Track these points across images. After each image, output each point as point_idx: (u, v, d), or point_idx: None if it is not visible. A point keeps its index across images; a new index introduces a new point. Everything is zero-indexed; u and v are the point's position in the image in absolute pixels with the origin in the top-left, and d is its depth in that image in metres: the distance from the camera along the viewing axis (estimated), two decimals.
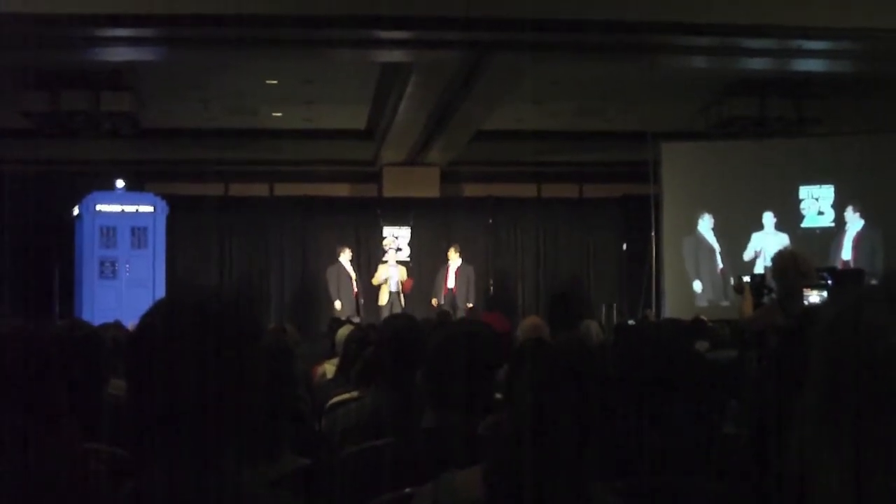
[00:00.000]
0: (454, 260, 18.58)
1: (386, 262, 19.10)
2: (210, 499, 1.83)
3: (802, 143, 17.50)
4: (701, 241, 17.56)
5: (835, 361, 1.37)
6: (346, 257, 18.51)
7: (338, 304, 18.00)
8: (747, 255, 17.14)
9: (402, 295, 18.27)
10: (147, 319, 1.91)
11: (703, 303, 17.09)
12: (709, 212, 17.45)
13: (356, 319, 15.79)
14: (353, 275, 18.41)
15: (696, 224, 17.50)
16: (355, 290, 18.29)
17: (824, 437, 1.35)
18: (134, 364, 1.90)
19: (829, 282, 8.62)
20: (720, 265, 17.46)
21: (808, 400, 1.38)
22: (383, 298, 18.27)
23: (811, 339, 1.44)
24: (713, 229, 17.48)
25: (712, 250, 17.54)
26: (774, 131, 17.27)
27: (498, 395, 3.60)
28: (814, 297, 7.03)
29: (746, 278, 8.34)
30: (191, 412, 1.81)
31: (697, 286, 17.57)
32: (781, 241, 16.69)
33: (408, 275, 18.73)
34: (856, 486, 1.31)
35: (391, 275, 18.47)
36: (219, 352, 1.84)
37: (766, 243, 16.77)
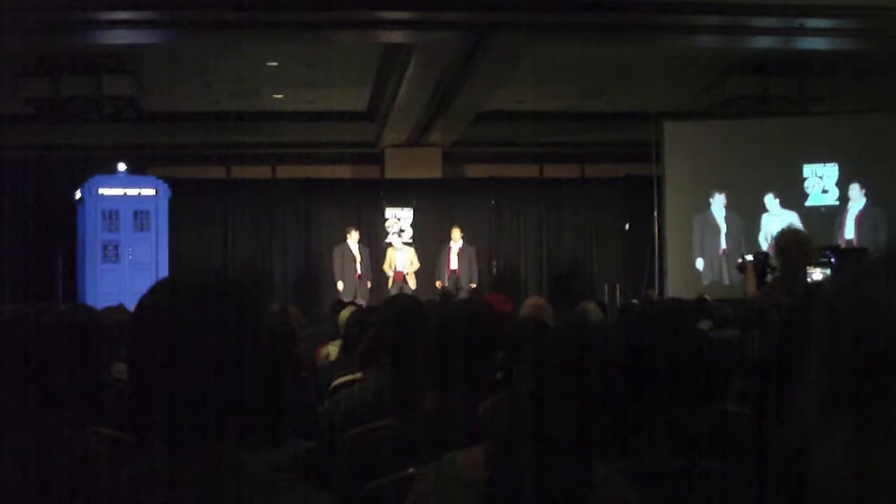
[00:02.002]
0: (456, 241, 18.62)
1: (391, 245, 19.16)
2: (212, 482, 1.83)
3: (806, 122, 17.49)
4: (709, 219, 17.57)
5: (834, 338, 1.36)
6: (353, 239, 18.54)
7: (340, 286, 18.05)
8: (762, 237, 17.13)
9: (406, 277, 18.34)
10: (146, 301, 1.91)
11: (705, 281, 17.11)
12: (720, 191, 17.45)
13: (360, 301, 15.81)
14: (358, 257, 18.43)
15: (705, 203, 17.51)
16: (358, 272, 18.31)
17: (825, 415, 1.35)
18: (133, 346, 1.90)
19: (832, 260, 8.61)
20: (723, 245, 17.46)
21: (809, 377, 1.38)
22: (390, 282, 18.35)
23: (812, 316, 1.44)
24: (725, 208, 17.49)
25: (718, 229, 17.56)
26: (777, 110, 17.25)
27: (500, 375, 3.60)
28: (817, 275, 7.04)
29: (749, 257, 8.33)
30: (191, 395, 1.81)
31: (700, 264, 17.59)
32: (788, 219, 16.69)
33: (416, 257, 18.80)
34: (857, 465, 1.31)
35: (399, 258, 18.53)
36: (218, 334, 1.84)
37: (771, 223, 16.76)
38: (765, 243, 16.63)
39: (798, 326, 1.40)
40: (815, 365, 1.38)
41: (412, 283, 18.29)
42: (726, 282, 16.40)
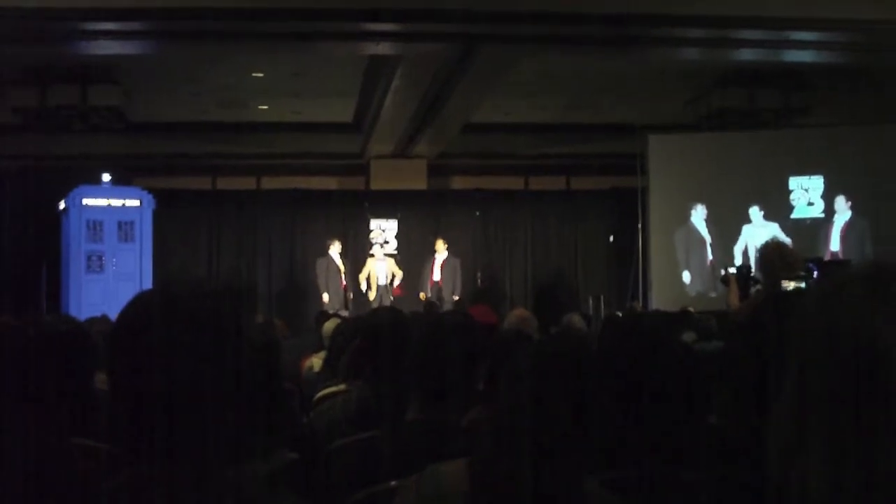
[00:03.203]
0: (441, 252, 18.61)
1: (373, 255, 19.17)
2: (195, 494, 1.84)
3: (792, 135, 17.56)
4: (692, 231, 17.61)
5: (807, 353, 1.37)
6: (335, 250, 18.54)
7: (325, 297, 18.04)
8: (738, 248, 17.19)
9: (389, 289, 18.35)
10: (127, 313, 1.91)
11: (691, 294, 17.13)
12: (701, 203, 17.50)
13: (344, 313, 15.80)
14: (342, 268, 18.44)
15: (687, 215, 17.56)
16: (343, 283, 18.34)
17: (800, 433, 1.35)
18: (114, 358, 1.90)
19: (815, 272, 8.63)
20: (710, 257, 17.50)
21: (783, 393, 1.38)
22: (372, 294, 18.36)
23: (777, 328, 1.45)
24: (706, 220, 17.53)
25: (703, 242, 17.60)
26: (762, 123, 17.31)
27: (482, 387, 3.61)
28: (790, 287, 7.03)
29: (733, 270, 8.36)
30: (172, 406, 1.81)
31: (686, 277, 17.62)
32: (770, 231, 16.73)
33: (398, 267, 18.81)
34: (831, 485, 1.31)
35: (379, 269, 18.54)
36: (199, 345, 1.84)
37: (755, 235, 16.80)
38: (740, 256, 16.70)
39: (757, 337, 1.41)
40: (788, 381, 1.38)
41: (391, 296, 18.28)
42: (713, 294, 16.44)
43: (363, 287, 18.60)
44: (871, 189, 16.75)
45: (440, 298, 17.73)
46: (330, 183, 21.43)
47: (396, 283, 18.59)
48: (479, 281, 20.65)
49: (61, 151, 18.53)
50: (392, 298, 18.01)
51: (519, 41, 13.47)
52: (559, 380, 2.42)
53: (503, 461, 2.37)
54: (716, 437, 2.80)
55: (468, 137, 19.05)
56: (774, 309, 1.42)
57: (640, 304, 16.93)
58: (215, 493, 1.84)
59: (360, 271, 18.82)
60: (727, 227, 17.41)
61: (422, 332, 3.58)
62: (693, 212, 17.53)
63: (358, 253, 19.77)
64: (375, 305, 17.03)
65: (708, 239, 17.57)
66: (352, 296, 18.55)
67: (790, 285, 6.75)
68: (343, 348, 5.99)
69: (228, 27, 12.62)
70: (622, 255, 19.67)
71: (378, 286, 18.39)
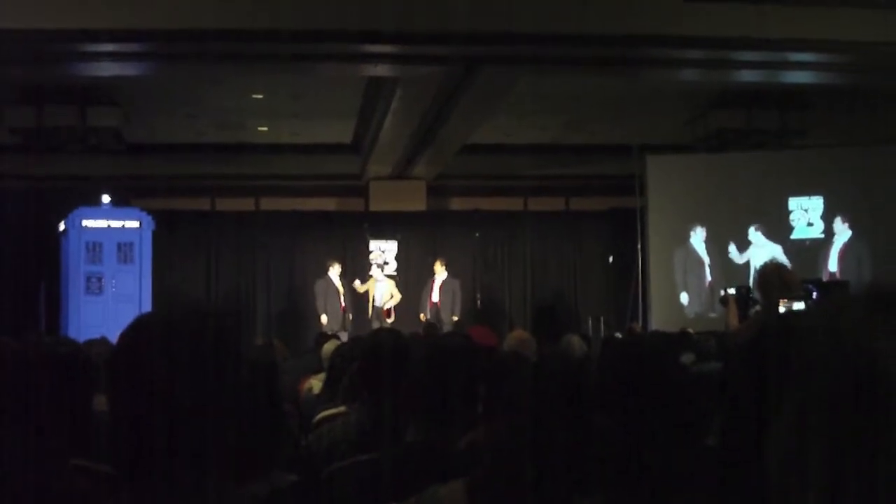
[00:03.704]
0: (440, 273, 18.61)
1: (372, 276, 19.19)
2: None
3: (791, 155, 17.59)
4: (691, 252, 17.61)
5: (807, 377, 1.36)
6: (335, 272, 18.54)
7: (324, 319, 18.02)
8: (742, 259, 17.20)
9: (381, 312, 18.35)
10: (126, 335, 1.92)
11: (690, 315, 17.12)
12: (701, 224, 17.52)
13: (342, 335, 15.80)
14: (341, 289, 18.44)
15: (687, 236, 17.57)
16: (342, 304, 18.33)
17: (799, 459, 1.34)
18: (113, 380, 1.90)
19: (814, 293, 8.63)
20: (709, 278, 17.50)
21: (782, 417, 1.37)
22: (370, 309, 18.38)
23: (777, 350, 1.44)
24: (705, 241, 17.54)
25: (702, 263, 17.60)
26: (760, 144, 17.33)
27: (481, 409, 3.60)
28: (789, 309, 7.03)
29: (732, 290, 8.36)
30: (171, 428, 1.81)
31: (685, 298, 17.62)
32: (773, 251, 16.76)
33: (397, 290, 18.81)
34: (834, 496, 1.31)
35: (378, 290, 18.54)
36: (198, 367, 1.84)
37: (758, 255, 16.82)
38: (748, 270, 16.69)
39: (755, 359, 1.41)
40: (788, 405, 1.37)
41: (391, 317, 18.27)
42: (713, 314, 16.44)
43: (361, 290, 18.65)
44: (870, 210, 16.76)
45: (439, 320, 17.71)
46: (329, 204, 21.44)
47: (390, 304, 18.55)
48: (478, 302, 20.64)
49: (60, 172, 18.54)
50: (388, 321, 17.98)
51: (518, 63, 13.49)
52: (557, 401, 2.42)
53: (501, 482, 2.37)
54: (714, 459, 2.80)
55: (467, 158, 19.06)
56: (775, 331, 1.42)
57: (640, 325, 16.91)
58: None
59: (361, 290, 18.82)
60: (727, 247, 17.42)
61: (422, 354, 3.58)
62: (693, 233, 17.56)
63: (357, 274, 19.74)
64: (375, 326, 17.00)
65: (707, 260, 17.58)
66: (351, 317, 18.53)
67: (791, 305, 6.75)
68: (343, 370, 5.99)
69: (228, 49, 12.64)
70: (621, 276, 19.66)
71: (374, 307, 18.40)
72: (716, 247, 17.54)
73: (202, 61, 13.29)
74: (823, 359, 1.35)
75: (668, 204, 17.57)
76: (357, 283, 18.77)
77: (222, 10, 11.68)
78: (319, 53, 13.06)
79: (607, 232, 21.43)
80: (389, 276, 19.46)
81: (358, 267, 20.23)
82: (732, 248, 17.39)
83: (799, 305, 6.82)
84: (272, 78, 15.10)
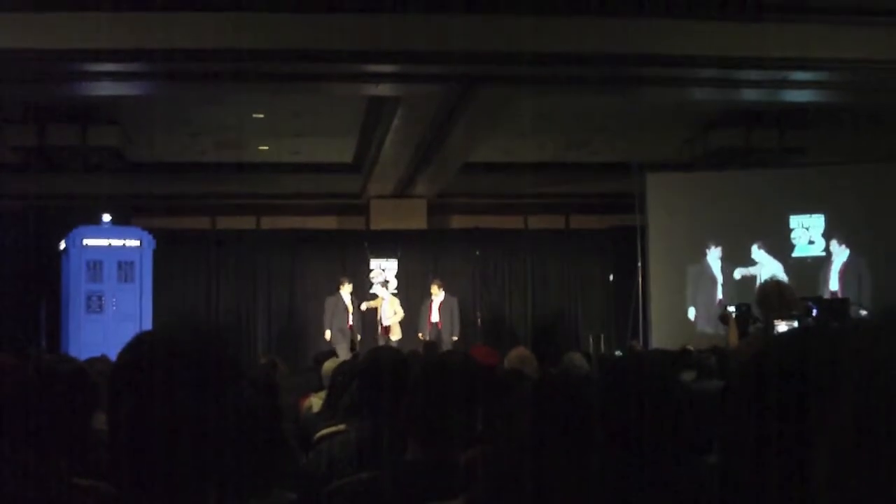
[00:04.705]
0: (437, 295, 18.63)
1: (376, 295, 19.21)
2: None
3: (792, 173, 17.62)
4: (704, 270, 17.63)
5: (819, 393, 1.35)
6: (346, 290, 18.63)
7: (328, 334, 18.06)
8: (742, 276, 17.22)
9: (390, 329, 18.38)
10: (126, 354, 1.92)
11: (696, 331, 17.08)
12: (714, 243, 17.55)
13: (340, 351, 15.83)
14: (350, 308, 18.47)
15: (695, 255, 17.60)
16: (350, 323, 18.35)
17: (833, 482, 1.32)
18: (113, 398, 1.90)
19: (815, 311, 8.63)
20: (719, 296, 17.48)
21: (819, 445, 1.36)
22: (378, 328, 18.43)
23: (781, 369, 1.44)
24: (721, 260, 17.57)
25: (714, 281, 17.61)
26: (760, 162, 17.36)
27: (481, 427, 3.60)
28: (782, 327, 7.01)
29: (732, 308, 8.37)
30: (170, 447, 1.81)
31: (692, 314, 17.62)
32: (774, 269, 16.77)
33: (400, 307, 18.83)
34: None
35: (383, 307, 18.58)
36: (198, 386, 1.84)
37: (761, 272, 16.83)
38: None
39: (757, 377, 1.40)
40: (822, 433, 1.36)
41: (396, 335, 18.28)
42: (721, 332, 16.44)
43: (371, 306, 18.69)
44: (870, 228, 16.77)
45: (439, 339, 17.72)
46: (330, 223, 21.47)
47: (393, 321, 18.57)
48: (478, 320, 20.64)
49: (61, 191, 18.57)
50: (392, 339, 17.99)
51: (517, 82, 13.52)
52: (558, 419, 2.42)
53: (501, 500, 2.37)
54: (715, 477, 2.80)
55: (467, 177, 19.08)
56: (777, 350, 1.42)
57: (640, 343, 16.89)
58: None
59: (365, 309, 18.86)
60: (729, 264, 17.44)
61: (421, 372, 3.58)
62: (708, 251, 17.62)
63: (358, 292, 19.75)
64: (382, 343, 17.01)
65: (720, 278, 17.59)
66: (359, 337, 18.54)
67: (781, 324, 6.75)
68: (343, 388, 5.99)
69: (229, 68, 12.66)
70: (622, 294, 19.65)
71: (382, 326, 18.45)
72: (730, 265, 17.55)
73: (203, 81, 13.31)
74: (830, 380, 1.35)
75: (668, 222, 17.58)
76: (364, 304, 18.81)
77: (223, 29, 11.70)
78: (320, 73, 13.08)
79: (608, 249, 21.44)
80: (393, 294, 19.49)
81: (358, 284, 20.24)
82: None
83: (787, 324, 6.80)
84: (273, 97, 15.11)
